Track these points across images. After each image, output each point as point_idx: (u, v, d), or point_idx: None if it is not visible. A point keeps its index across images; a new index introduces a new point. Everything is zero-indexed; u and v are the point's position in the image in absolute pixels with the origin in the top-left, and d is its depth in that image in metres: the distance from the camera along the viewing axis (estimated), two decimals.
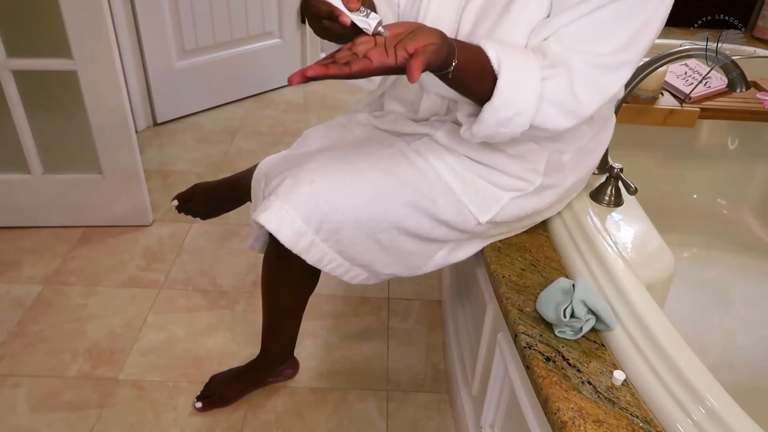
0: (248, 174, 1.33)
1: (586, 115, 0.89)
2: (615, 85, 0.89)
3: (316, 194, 0.99)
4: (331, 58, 0.75)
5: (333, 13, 0.77)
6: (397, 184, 1.01)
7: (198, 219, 1.44)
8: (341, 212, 0.99)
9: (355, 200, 1.00)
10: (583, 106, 0.88)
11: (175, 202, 1.39)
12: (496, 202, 1.03)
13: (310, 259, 1.03)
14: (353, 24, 0.77)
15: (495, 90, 0.83)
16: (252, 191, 1.17)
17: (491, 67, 0.83)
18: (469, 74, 0.83)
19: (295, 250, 1.01)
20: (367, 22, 0.77)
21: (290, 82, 0.71)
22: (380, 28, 0.77)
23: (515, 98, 0.84)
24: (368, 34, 0.77)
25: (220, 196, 1.40)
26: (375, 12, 0.84)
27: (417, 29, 0.76)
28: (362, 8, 0.78)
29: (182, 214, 1.41)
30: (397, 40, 0.74)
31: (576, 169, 1.08)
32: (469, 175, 1.03)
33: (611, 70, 0.88)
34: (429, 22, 0.99)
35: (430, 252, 1.09)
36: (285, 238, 0.99)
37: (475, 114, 0.89)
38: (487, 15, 0.94)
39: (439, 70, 0.80)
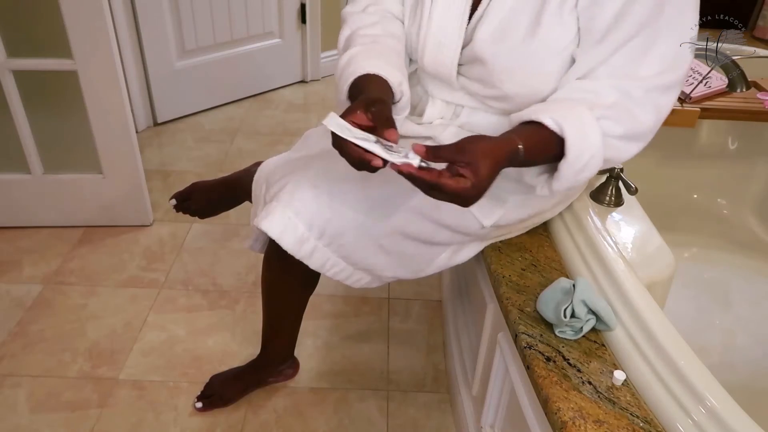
0: (247, 173, 1.33)
1: (651, 136, 0.91)
2: (672, 103, 0.90)
3: (318, 200, 0.98)
4: None
5: (364, 158, 0.77)
6: (400, 189, 1.00)
7: (197, 218, 1.44)
8: (344, 217, 0.99)
9: (357, 205, 0.99)
10: (646, 129, 0.90)
11: (173, 201, 1.39)
12: (500, 206, 1.03)
13: (313, 264, 1.03)
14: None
15: (566, 149, 0.85)
16: (253, 194, 1.17)
17: (551, 131, 0.85)
18: (539, 150, 0.86)
19: (297, 256, 1.01)
20: (409, 163, 0.76)
21: None
22: (422, 163, 0.76)
23: (583, 148, 0.86)
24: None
25: (219, 196, 1.39)
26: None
27: (470, 157, 0.78)
28: (398, 146, 0.77)
29: (182, 214, 1.41)
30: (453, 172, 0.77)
31: None
32: None
33: (666, 91, 0.89)
34: (431, 41, 0.99)
35: (432, 255, 1.09)
36: (288, 245, 0.99)
37: (546, 171, 0.92)
38: (506, 36, 0.93)
39: (511, 165, 0.84)
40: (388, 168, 0.78)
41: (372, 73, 0.92)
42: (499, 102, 1.01)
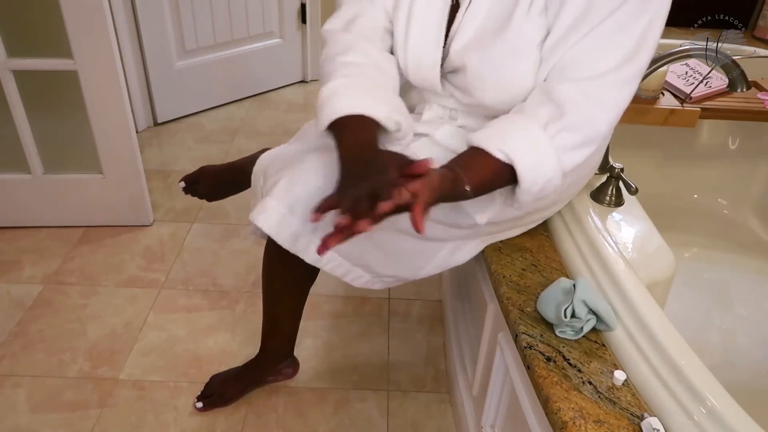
0: (252, 160, 1.33)
1: (607, 134, 0.91)
2: (628, 98, 0.90)
3: (312, 195, 0.98)
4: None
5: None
6: None
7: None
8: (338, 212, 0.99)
9: None
10: (605, 130, 0.90)
11: (182, 184, 1.39)
12: (492, 202, 1.03)
13: (309, 258, 1.03)
14: None
15: (519, 179, 0.87)
16: (252, 185, 1.17)
17: (502, 162, 0.86)
18: (488, 182, 0.88)
19: (292, 251, 1.01)
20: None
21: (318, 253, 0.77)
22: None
23: (538, 174, 0.87)
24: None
25: (227, 180, 1.41)
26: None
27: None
28: None
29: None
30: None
31: (574, 169, 1.07)
32: None
33: (622, 85, 0.88)
34: (411, 59, 1.00)
35: (430, 251, 1.09)
36: (283, 240, 1.00)
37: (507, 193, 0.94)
38: (480, 44, 0.94)
39: (454, 199, 0.86)
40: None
41: (355, 114, 0.88)
42: (480, 110, 1.02)
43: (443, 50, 1.00)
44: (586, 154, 0.91)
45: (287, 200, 0.99)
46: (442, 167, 0.86)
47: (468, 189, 0.85)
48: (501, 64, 0.93)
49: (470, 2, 0.95)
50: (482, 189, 0.89)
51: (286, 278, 1.24)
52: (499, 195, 1.02)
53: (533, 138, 0.87)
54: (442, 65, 1.01)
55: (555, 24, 0.89)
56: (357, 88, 0.93)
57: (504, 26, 0.91)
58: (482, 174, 0.87)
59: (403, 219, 1.01)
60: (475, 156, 0.88)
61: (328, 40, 1.05)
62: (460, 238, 1.09)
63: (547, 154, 0.87)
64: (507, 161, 0.86)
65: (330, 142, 1.08)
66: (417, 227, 0.75)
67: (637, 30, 0.86)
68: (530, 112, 0.90)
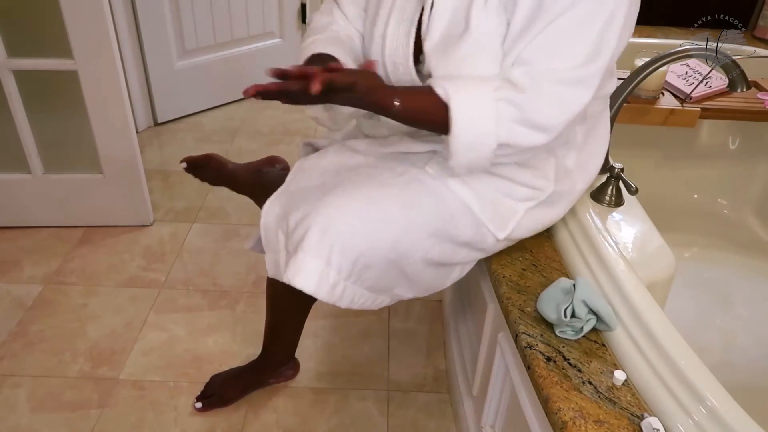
0: (245, 171, 1.32)
1: (556, 130, 0.90)
2: (581, 99, 0.89)
3: (344, 244, 0.95)
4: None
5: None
6: (419, 216, 0.99)
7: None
8: (369, 255, 0.97)
9: (382, 242, 0.98)
10: (549, 121, 0.89)
11: (184, 165, 1.35)
12: (512, 216, 1.03)
13: (344, 303, 1.00)
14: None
15: (450, 119, 0.88)
16: (264, 240, 1.10)
17: (439, 100, 0.88)
18: (419, 109, 0.91)
19: (331, 302, 0.98)
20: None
21: (244, 94, 0.84)
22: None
23: (471, 122, 0.88)
24: None
25: (228, 175, 1.37)
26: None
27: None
28: None
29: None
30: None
31: (583, 173, 1.07)
32: (484, 190, 1.02)
33: (574, 85, 0.87)
34: (387, 56, 1.02)
35: (448, 272, 1.09)
36: (323, 296, 0.97)
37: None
38: (444, 49, 0.94)
39: (381, 108, 0.90)
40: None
41: (327, 53, 1.01)
42: None
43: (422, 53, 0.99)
44: (531, 141, 0.90)
45: (323, 253, 0.95)
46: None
47: (397, 104, 0.89)
48: (462, 66, 0.93)
49: (432, 4, 0.94)
50: (412, 114, 0.91)
51: (292, 294, 1.23)
52: (521, 208, 1.03)
53: (479, 91, 0.88)
54: (419, 67, 1.01)
55: (512, 18, 0.88)
56: (333, 42, 1.05)
57: (466, 26, 0.91)
58: (417, 100, 0.91)
59: (431, 249, 1.01)
60: (422, 88, 0.93)
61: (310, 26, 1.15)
62: (477, 258, 1.10)
63: (486, 108, 0.87)
64: (445, 99, 0.88)
65: (334, 168, 1.05)
66: (310, 83, 0.81)
67: (592, 32, 0.85)
68: (487, 78, 0.91)
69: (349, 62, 1.01)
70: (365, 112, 1.09)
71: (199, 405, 1.38)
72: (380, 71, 1.04)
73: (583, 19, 0.84)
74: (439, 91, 0.88)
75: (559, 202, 1.07)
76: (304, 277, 0.96)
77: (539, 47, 0.86)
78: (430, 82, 0.91)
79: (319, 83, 0.80)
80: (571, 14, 0.84)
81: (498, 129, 0.88)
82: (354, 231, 0.96)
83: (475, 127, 0.88)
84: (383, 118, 1.05)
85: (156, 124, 2.57)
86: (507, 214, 1.03)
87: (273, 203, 1.07)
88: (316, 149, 1.15)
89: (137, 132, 2.38)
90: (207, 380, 1.43)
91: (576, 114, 0.89)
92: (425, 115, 0.91)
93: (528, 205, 1.03)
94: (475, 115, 0.88)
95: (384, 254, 0.98)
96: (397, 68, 1.02)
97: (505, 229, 1.03)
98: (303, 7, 2.78)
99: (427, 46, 0.95)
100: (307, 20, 2.80)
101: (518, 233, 1.06)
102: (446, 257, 1.04)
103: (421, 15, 0.97)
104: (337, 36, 1.08)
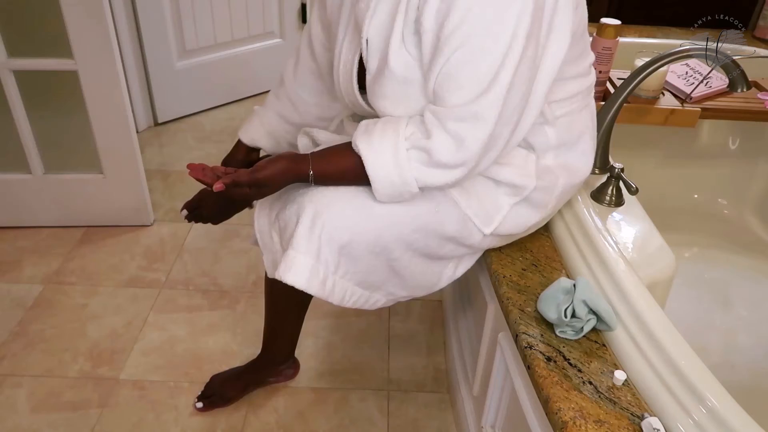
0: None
1: (470, 163, 0.92)
2: (480, 134, 0.88)
3: (331, 239, 0.97)
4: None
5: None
6: (403, 208, 1.00)
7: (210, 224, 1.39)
8: (355, 248, 0.99)
9: (368, 235, 0.99)
10: (456, 159, 0.91)
11: (185, 212, 1.31)
12: (498, 212, 1.03)
13: (336, 299, 1.02)
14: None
15: (369, 176, 0.94)
16: (260, 243, 1.13)
17: (355, 156, 0.95)
18: (337, 172, 0.98)
19: (322, 297, 1.00)
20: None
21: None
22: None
23: (389, 178, 0.93)
24: None
25: (228, 200, 1.35)
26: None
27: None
28: None
29: (182, 212, 1.38)
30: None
31: (564, 169, 1.06)
32: (469, 184, 1.02)
33: (470, 120, 0.88)
34: (342, 87, 1.05)
35: (439, 269, 1.10)
36: (314, 291, 0.99)
37: None
38: (377, 81, 0.96)
39: (299, 180, 0.98)
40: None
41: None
42: None
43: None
44: (447, 179, 0.93)
45: (311, 249, 0.97)
46: (302, 154, 1.00)
47: (311, 172, 0.97)
48: (392, 100, 0.95)
49: (367, 41, 0.95)
50: (330, 176, 0.98)
51: (289, 290, 1.24)
52: (506, 203, 1.03)
53: (391, 144, 0.92)
54: (365, 97, 1.03)
55: (423, 53, 0.90)
56: (262, 121, 1.27)
57: (386, 63, 0.93)
58: (333, 162, 0.98)
59: (418, 242, 1.02)
60: (340, 147, 0.99)
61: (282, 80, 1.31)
62: (465, 254, 1.10)
63: (400, 160, 0.92)
64: (361, 157, 0.94)
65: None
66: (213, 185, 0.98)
67: (482, 69, 0.85)
68: (402, 122, 0.94)
69: (269, 147, 1.25)
70: (350, 111, 1.15)
71: (199, 405, 1.38)
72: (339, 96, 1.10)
73: (473, 56, 0.85)
74: (354, 149, 0.94)
75: (545, 198, 1.06)
76: (294, 273, 0.98)
77: (440, 83, 0.88)
78: (353, 137, 0.96)
79: (221, 183, 0.97)
80: (462, 52, 0.85)
81: (414, 175, 0.92)
82: (341, 219, 0.98)
83: (393, 180, 0.93)
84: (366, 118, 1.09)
85: (156, 124, 2.57)
86: (492, 210, 1.03)
87: (263, 206, 1.12)
88: (312, 139, 1.15)
89: (137, 132, 2.38)
90: (207, 380, 1.43)
91: (484, 145, 0.90)
92: (343, 174, 0.98)
93: (513, 201, 1.04)
94: (390, 171, 0.93)
95: (368, 247, 0.99)
96: (348, 96, 1.05)
97: (491, 224, 1.03)
98: (303, 7, 2.78)
99: (367, 80, 0.98)
100: (307, 20, 2.80)
101: (505, 229, 1.05)
102: (431, 250, 1.05)
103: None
104: (278, 108, 1.28)
